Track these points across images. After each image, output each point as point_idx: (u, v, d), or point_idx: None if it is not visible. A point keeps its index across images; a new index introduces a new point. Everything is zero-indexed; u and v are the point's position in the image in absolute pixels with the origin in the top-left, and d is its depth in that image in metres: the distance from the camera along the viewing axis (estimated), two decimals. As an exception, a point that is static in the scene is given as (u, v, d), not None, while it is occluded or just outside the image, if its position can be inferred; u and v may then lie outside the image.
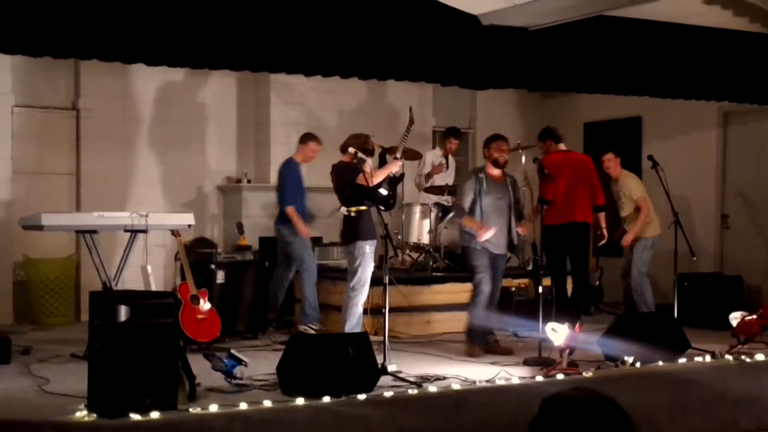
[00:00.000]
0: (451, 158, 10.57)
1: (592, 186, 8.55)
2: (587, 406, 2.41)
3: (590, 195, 8.51)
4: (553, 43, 8.41)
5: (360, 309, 7.58)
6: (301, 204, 8.82)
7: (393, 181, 7.86)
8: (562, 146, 8.69)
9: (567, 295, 8.53)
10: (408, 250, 9.92)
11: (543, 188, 8.04)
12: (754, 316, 7.74)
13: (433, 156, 10.43)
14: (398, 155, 7.90)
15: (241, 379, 6.10)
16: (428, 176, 10.21)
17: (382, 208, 7.50)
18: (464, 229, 7.68)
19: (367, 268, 7.53)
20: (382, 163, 8.94)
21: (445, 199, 9.96)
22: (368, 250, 7.52)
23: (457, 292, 9.14)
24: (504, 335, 8.38)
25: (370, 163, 7.73)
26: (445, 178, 10.25)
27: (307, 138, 8.98)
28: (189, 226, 7.89)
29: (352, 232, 7.54)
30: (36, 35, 6.42)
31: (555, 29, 8.24)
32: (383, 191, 7.69)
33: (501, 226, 7.61)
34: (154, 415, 5.08)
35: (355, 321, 7.54)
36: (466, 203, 7.65)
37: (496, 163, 7.65)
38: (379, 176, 7.64)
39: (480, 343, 7.65)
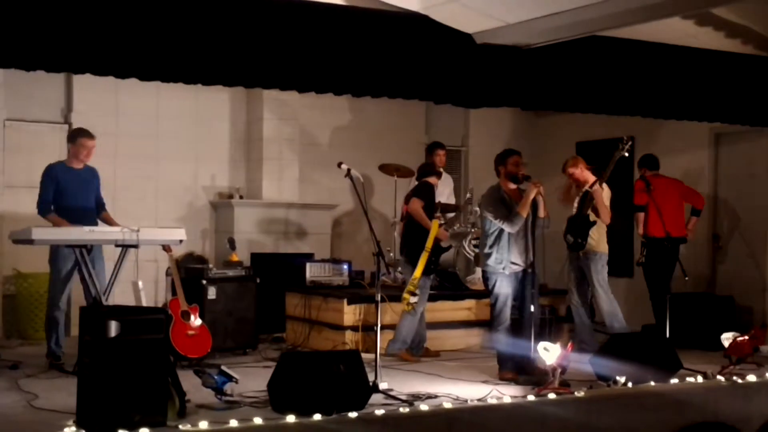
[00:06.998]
0: (445, 174, 10.43)
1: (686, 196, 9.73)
2: None
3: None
4: (546, 62, 8.43)
5: None
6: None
7: (437, 251, 8.16)
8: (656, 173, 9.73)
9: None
10: (400, 268, 9.88)
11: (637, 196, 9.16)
12: (746, 337, 7.74)
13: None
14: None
15: (231, 395, 6.06)
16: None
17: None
18: (485, 251, 7.42)
19: None
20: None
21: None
22: None
23: (449, 310, 9.14)
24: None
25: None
26: (441, 195, 10.13)
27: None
28: (180, 241, 7.86)
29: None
30: (28, 49, 6.41)
31: (549, 48, 8.26)
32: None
33: (522, 245, 7.31)
34: (144, 431, 5.05)
35: None
36: (505, 211, 7.33)
37: (514, 179, 7.42)
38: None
39: (509, 368, 7.32)
